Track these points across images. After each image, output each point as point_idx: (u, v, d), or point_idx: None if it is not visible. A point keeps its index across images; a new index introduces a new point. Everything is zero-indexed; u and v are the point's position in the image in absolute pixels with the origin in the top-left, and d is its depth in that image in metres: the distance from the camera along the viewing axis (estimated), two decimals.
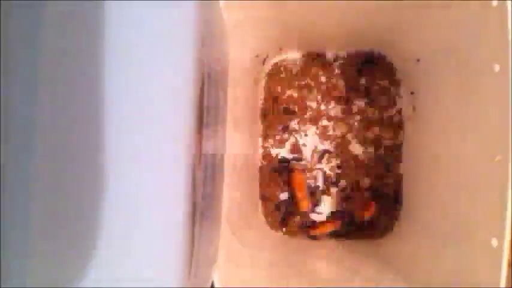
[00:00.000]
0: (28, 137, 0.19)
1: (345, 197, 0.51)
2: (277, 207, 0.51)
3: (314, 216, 0.51)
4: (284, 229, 0.51)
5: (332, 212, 0.51)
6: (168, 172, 0.21)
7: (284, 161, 0.52)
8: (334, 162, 0.51)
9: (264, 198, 0.51)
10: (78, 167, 0.20)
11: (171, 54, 0.21)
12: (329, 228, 0.50)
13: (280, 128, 0.52)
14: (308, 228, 0.51)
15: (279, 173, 0.52)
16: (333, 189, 0.51)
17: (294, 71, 0.52)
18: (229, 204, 0.39)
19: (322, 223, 0.51)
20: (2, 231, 0.19)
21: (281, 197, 0.51)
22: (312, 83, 0.52)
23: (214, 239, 0.33)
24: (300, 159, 0.52)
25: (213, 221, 0.32)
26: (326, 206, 0.51)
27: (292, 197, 0.51)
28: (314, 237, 0.50)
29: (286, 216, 0.51)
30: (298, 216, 0.51)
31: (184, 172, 0.21)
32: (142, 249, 0.21)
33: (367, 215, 0.50)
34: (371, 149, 0.51)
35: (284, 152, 0.52)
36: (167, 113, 0.21)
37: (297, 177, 0.50)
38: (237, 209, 0.43)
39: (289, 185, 0.51)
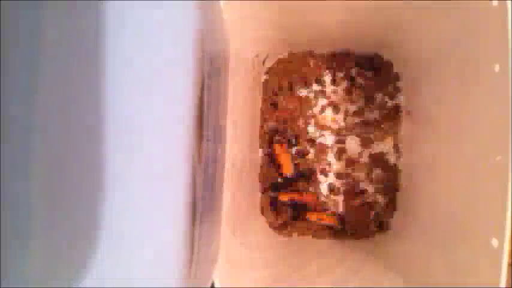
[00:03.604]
0: (28, 137, 0.19)
1: (344, 198, 0.51)
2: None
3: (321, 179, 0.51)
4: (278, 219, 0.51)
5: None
6: (168, 172, 0.21)
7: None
8: (334, 162, 0.51)
9: (264, 198, 0.51)
10: (78, 167, 0.20)
11: (171, 54, 0.21)
12: (327, 219, 0.50)
13: (279, 127, 0.52)
14: (304, 212, 0.51)
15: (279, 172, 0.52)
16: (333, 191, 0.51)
17: (294, 71, 0.52)
18: (230, 204, 0.39)
19: (320, 213, 0.51)
20: (2, 231, 0.19)
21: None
22: (312, 83, 0.52)
23: (215, 239, 0.33)
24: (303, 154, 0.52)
25: (213, 221, 0.32)
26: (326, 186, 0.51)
27: (277, 166, 0.51)
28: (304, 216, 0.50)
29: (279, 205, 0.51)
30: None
31: (184, 172, 0.21)
32: (142, 249, 0.21)
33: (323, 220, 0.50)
34: (370, 149, 0.51)
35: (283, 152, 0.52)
36: (167, 113, 0.21)
37: (277, 147, 0.51)
38: (237, 209, 0.43)
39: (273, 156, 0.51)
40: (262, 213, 0.51)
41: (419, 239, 0.43)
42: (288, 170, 0.50)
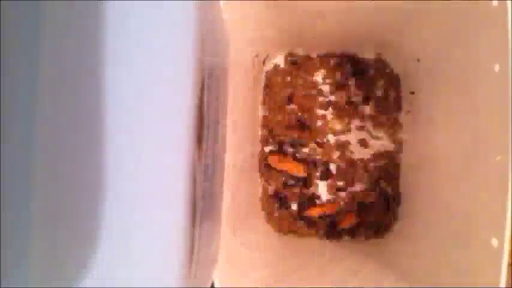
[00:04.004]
0: (28, 137, 0.19)
1: (345, 198, 0.51)
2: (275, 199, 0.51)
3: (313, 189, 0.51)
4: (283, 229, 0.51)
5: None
6: (168, 172, 0.21)
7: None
8: (334, 162, 0.51)
9: (264, 198, 0.51)
10: (78, 167, 0.20)
11: (171, 54, 0.21)
12: (327, 209, 0.50)
13: (280, 127, 0.52)
14: (306, 209, 0.50)
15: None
16: (332, 185, 0.51)
17: (294, 71, 0.52)
18: (229, 204, 0.39)
19: (320, 205, 0.51)
20: (2, 231, 0.19)
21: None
22: (312, 83, 0.52)
23: (215, 239, 0.33)
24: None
25: (213, 221, 0.32)
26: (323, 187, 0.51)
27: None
28: (310, 221, 0.50)
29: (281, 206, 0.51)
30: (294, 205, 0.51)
31: (184, 172, 0.21)
32: (142, 249, 0.21)
33: (345, 224, 0.50)
34: (371, 149, 0.51)
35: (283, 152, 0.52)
36: (167, 113, 0.21)
37: (273, 160, 0.51)
38: (237, 209, 0.43)
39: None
40: (264, 216, 0.51)
41: (420, 239, 0.43)
42: (300, 171, 0.50)
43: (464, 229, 0.34)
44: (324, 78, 0.52)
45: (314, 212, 0.50)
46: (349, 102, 0.52)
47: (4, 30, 0.18)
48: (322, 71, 0.52)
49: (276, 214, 0.51)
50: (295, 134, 0.51)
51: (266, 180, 0.51)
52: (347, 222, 0.50)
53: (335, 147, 0.51)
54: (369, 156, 0.51)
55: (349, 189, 0.51)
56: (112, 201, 0.20)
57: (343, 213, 0.50)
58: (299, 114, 0.52)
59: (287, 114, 0.52)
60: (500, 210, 0.30)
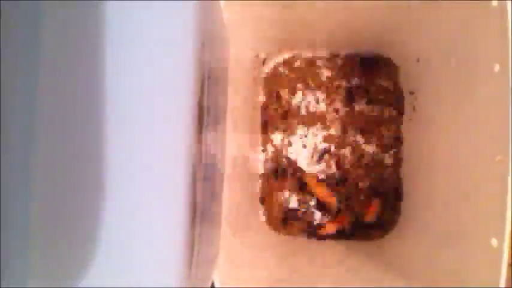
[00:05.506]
0: (28, 137, 0.19)
1: (345, 197, 0.51)
2: (280, 209, 0.51)
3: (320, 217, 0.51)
4: (284, 231, 0.51)
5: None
6: (168, 172, 0.21)
7: (287, 164, 0.52)
8: (334, 162, 0.51)
9: (264, 199, 0.51)
10: (78, 167, 0.20)
11: (171, 54, 0.21)
12: (337, 226, 0.50)
13: (280, 128, 0.52)
14: (316, 229, 0.50)
15: (281, 174, 0.52)
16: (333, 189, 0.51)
17: (294, 71, 0.52)
18: (229, 204, 0.39)
19: (329, 222, 0.50)
20: (2, 231, 0.19)
21: (283, 198, 0.51)
22: (312, 83, 0.52)
23: (215, 239, 0.33)
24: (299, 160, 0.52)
25: (213, 221, 0.32)
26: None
27: (318, 201, 0.51)
28: (322, 237, 0.50)
29: (287, 218, 0.51)
30: (300, 221, 0.51)
31: (184, 172, 0.21)
32: (143, 250, 0.21)
33: (370, 216, 0.49)
34: (371, 149, 0.51)
35: (283, 153, 0.52)
36: (167, 113, 0.21)
37: (312, 181, 0.50)
38: (237, 209, 0.43)
39: (301, 189, 0.51)
40: (264, 216, 0.51)
41: (420, 239, 0.43)
42: (334, 204, 0.50)
43: (464, 229, 0.34)
44: (323, 78, 0.52)
45: (331, 228, 0.50)
46: (349, 102, 0.52)
47: (4, 30, 0.18)
48: (322, 70, 0.52)
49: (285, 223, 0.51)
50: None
51: (267, 183, 0.51)
52: (373, 212, 0.49)
53: (335, 148, 0.51)
54: (368, 156, 0.51)
55: (351, 188, 0.51)
56: (112, 201, 0.20)
57: (364, 205, 0.50)
58: (298, 112, 0.52)
59: (286, 112, 0.52)
60: (500, 210, 0.30)
